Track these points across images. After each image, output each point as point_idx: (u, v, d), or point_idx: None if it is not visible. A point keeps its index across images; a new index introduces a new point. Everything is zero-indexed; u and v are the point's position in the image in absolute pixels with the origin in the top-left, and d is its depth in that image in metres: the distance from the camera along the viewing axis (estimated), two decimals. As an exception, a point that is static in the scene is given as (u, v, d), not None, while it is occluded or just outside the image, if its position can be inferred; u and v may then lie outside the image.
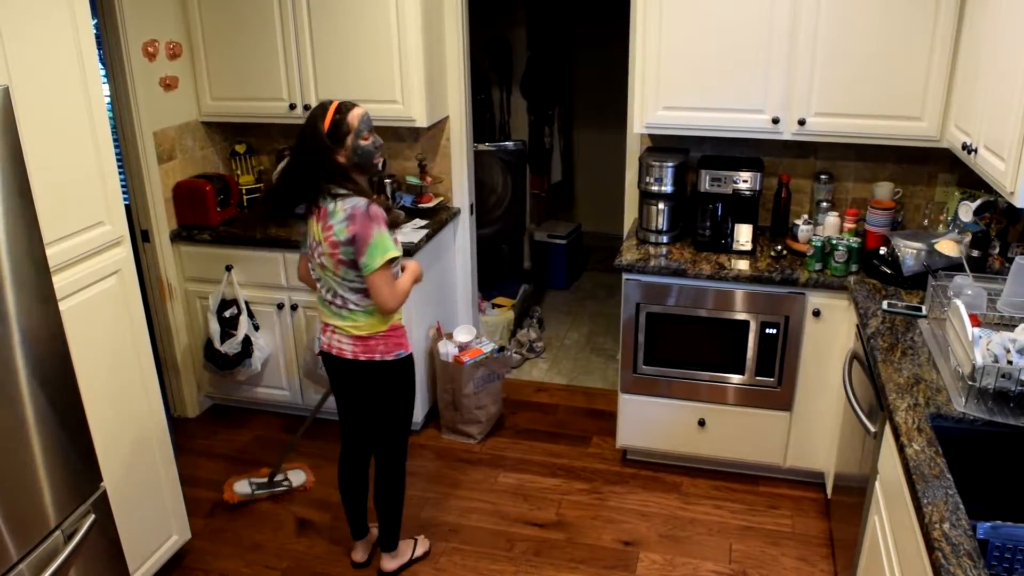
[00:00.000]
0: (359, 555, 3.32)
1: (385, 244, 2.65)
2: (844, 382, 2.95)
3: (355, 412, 3.07)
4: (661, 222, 3.70)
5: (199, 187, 4.04)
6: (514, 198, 5.81)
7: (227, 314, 4.06)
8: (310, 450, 4.09)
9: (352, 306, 2.80)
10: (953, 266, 3.07)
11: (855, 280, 3.30)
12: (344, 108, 2.68)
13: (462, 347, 4.09)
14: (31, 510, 2.22)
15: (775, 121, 3.43)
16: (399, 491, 3.15)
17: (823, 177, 3.75)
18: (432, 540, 3.43)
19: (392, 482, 3.12)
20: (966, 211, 3.14)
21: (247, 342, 4.04)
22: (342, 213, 2.67)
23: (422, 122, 3.92)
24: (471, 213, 4.52)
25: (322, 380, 4.08)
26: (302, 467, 3.91)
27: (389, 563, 3.25)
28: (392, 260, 2.69)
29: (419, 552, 3.33)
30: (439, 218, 4.20)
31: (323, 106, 2.69)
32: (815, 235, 3.48)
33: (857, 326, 3.08)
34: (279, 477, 3.81)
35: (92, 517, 2.43)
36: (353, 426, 3.11)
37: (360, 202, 2.66)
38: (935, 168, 3.66)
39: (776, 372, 3.51)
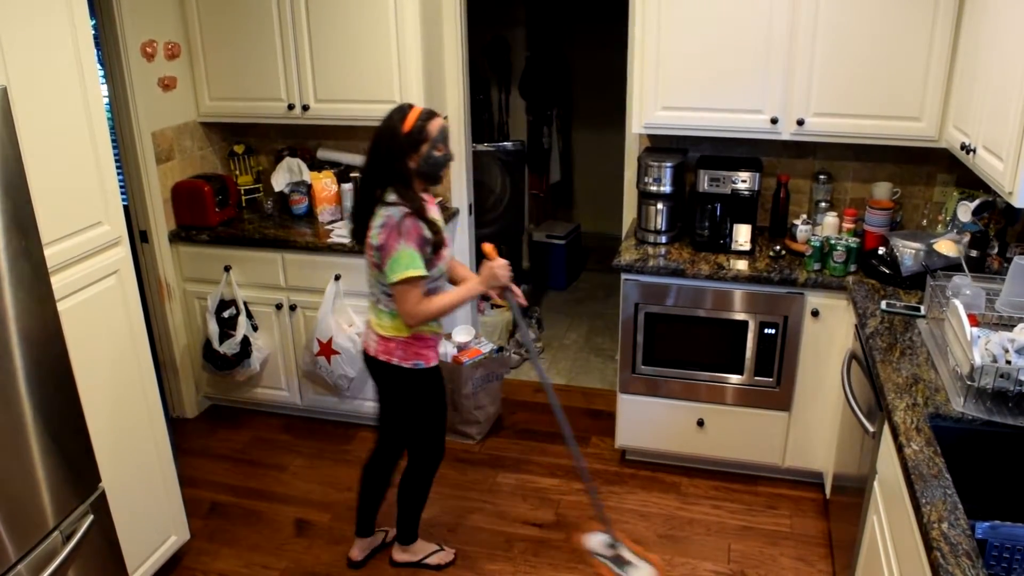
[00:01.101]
0: (356, 552, 3.31)
1: (404, 261, 2.63)
2: (843, 382, 2.95)
3: (382, 410, 3.08)
4: (660, 222, 3.70)
5: (198, 187, 4.04)
6: (513, 198, 5.81)
7: (226, 314, 4.06)
8: (308, 450, 4.09)
9: (381, 305, 2.82)
10: (952, 266, 3.07)
11: (854, 280, 3.30)
12: (426, 115, 2.68)
13: (461, 347, 4.09)
14: (30, 510, 2.22)
15: (774, 121, 3.42)
16: (418, 494, 3.16)
17: (822, 177, 3.75)
18: (431, 540, 3.42)
19: (412, 483, 3.13)
20: (965, 211, 3.14)
21: (246, 342, 4.04)
22: (381, 219, 2.67)
23: (421, 122, 3.91)
24: (470, 213, 4.52)
25: (320, 380, 4.09)
26: (653, 559, 3.09)
27: (399, 554, 3.26)
28: (412, 280, 2.66)
29: (434, 561, 3.29)
30: (438, 218, 4.20)
31: (402, 109, 2.68)
32: (814, 235, 3.48)
33: (856, 326, 3.08)
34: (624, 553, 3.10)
35: (91, 517, 2.43)
36: (381, 423, 3.12)
37: (398, 212, 2.64)
38: (934, 168, 3.66)
39: (775, 372, 3.51)
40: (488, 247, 2.86)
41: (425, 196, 2.79)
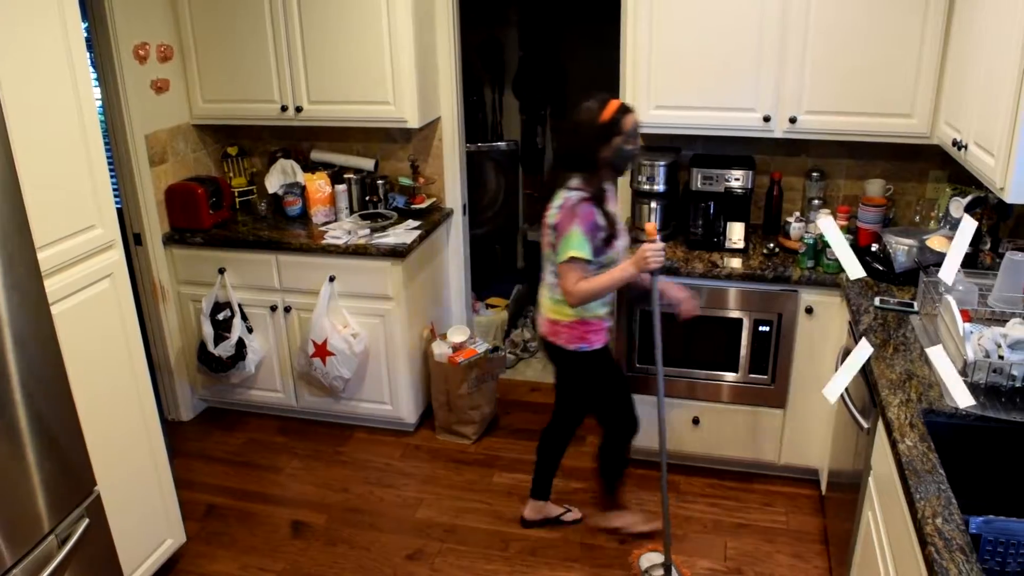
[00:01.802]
0: (528, 512, 3.52)
1: (572, 242, 2.77)
2: (837, 379, 2.95)
3: (556, 384, 3.29)
4: (653, 221, 3.71)
5: (191, 190, 4.03)
6: (507, 198, 5.81)
7: (220, 316, 4.05)
8: (304, 451, 4.09)
9: (549, 287, 3.00)
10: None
11: (846, 276, 3.30)
12: (623, 109, 2.79)
13: (456, 347, 4.09)
14: (25, 515, 2.22)
15: (766, 119, 3.43)
16: (611, 464, 3.38)
17: (815, 175, 3.76)
18: (427, 541, 3.42)
19: (604, 455, 3.38)
20: (957, 207, 3.15)
21: (241, 344, 4.04)
22: (559, 200, 2.84)
23: (414, 123, 3.92)
24: (464, 213, 4.53)
25: (315, 382, 4.08)
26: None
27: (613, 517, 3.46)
28: (577, 260, 2.79)
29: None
30: (432, 219, 4.20)
31: (602, 100, 2.78)
32: (807, 232, 3.48)
33: (849, 323, 3.09)
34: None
35: (86, 521, 2.43)
36: (556, 396, 3.33)
37: (576, 196, 2.80)
38: (926, 165, 3.67)
39: (769, 370, 3.52)
40: (649, 226, 2.85)
41: (607, 187, 2.90)
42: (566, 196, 2.81)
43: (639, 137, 2.84)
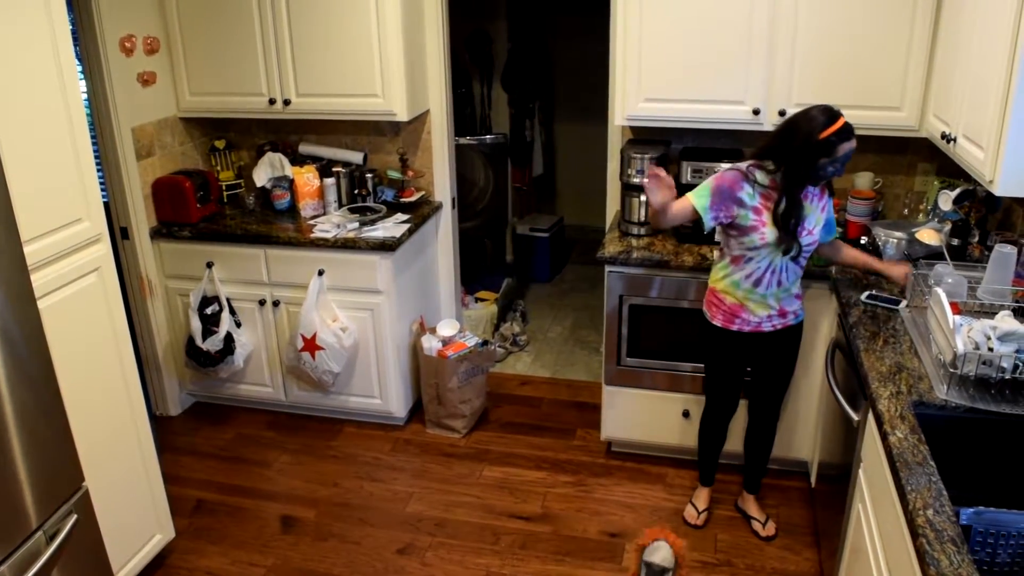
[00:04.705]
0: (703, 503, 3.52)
1: (698, 188, 2.87)
2: (827, 371, 2.96)
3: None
4: (643, 214, 3.70)
5: (178, 183, 4.00)
6: (496, 191, 5.80)
7: (208, 311, 4.03)
8: (293, 446, 4.08)
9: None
10: (933, 254, 3.09)
11: (836, 270, 3.31)
12: (844, 135, 2.67)
13: (445, 341, 4.08)
14: (12, 511, 2.20)
15: (756, 112, 3.43)
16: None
17: (804, 168, 3.76)
18: (417, 535, 3.42)
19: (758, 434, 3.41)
20: (946, 200, 3.16)
21: (229, 339, 4.01)
22: None
23: (403, 116, 3.90)
24: (453, 207, 4.51)
25: (304, 376, 4.07)
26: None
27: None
28: (691, 201, 2.84)
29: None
30: (421, 212, 4.19)
31: (832, 116, 2.67)
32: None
33: (839, 315, 3.09)
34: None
35: (74, 517, 2.41)
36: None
37: (734, 166, 2.89)
38: (914, 158, 3.68)
39: (759, 362, 3.52)
40: (651, 169, 2.86)
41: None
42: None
43: (846, 164, 2.75)
